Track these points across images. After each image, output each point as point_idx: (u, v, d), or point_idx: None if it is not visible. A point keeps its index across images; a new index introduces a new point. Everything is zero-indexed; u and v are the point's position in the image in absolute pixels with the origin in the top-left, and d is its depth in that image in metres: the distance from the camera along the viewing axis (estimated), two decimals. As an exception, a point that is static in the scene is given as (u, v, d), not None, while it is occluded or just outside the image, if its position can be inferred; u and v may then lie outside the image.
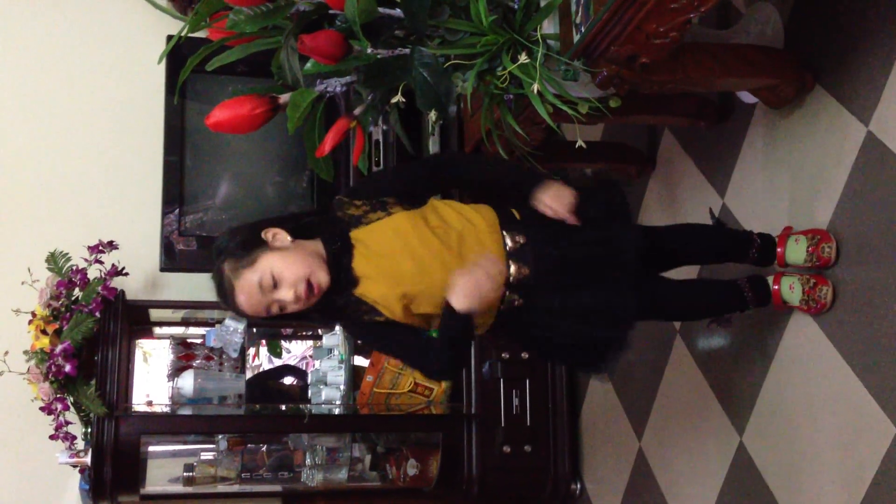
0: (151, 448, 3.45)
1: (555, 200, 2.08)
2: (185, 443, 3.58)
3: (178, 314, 3.76)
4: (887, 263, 2.17)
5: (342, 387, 3.60)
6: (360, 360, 3.73)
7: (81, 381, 3.18)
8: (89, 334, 3.22)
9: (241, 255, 1.97)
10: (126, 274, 3.44)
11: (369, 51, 2.08)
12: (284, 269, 1.96)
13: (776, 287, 2.38)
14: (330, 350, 3.69)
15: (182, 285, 3.73)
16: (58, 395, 3.18)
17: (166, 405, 3.58)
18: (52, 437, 3.20)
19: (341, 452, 3.59)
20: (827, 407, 2.36)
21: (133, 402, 3.49)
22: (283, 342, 3.94)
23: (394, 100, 2.18)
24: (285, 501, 3.72)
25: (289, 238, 2.00)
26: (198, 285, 3.72)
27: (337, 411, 3.60)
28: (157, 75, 3.48)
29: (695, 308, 2.47)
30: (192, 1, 3.57)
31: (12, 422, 3.50)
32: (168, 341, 3.76)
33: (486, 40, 2.07)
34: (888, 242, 2.17)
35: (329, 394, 3.60)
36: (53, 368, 3.13)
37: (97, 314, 3.25)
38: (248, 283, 1.96)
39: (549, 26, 2.11)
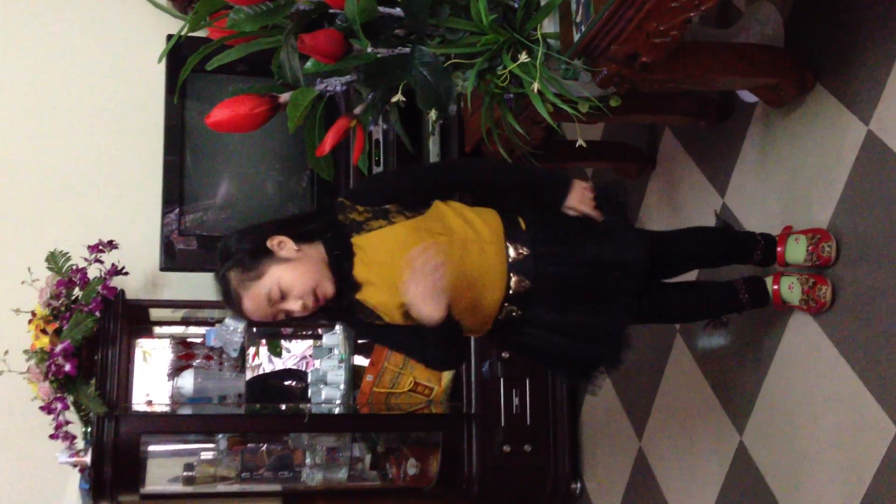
0: (151, 447, 3.45)
1: (580, 204, 2.09)
2: (185, 442, 3.58)
3: (178, 314, 3.76)
4: (887, 262, 2.17)
5: (342, 386, 3.60)
6: (360, 360, 3.73)
7: (81, 381, 3.18)
8: (89, 334, 3.22)
9: (248, 265, 1.98)
10: (126, 273, 3.44)
11: (369, 50, 2.08)
12: (292, 281, 1.97)
13: (776, 287, 2.38)
14: (330, 350, 3.69)
15: (182, 285, 3.73)
16: (58, 395, 3.18)
17: (166, 405, 3.58)
18: (52, 437, 3.20)
19: (341, 452, 3.59)
20: (827, 406, 2.36)
21: (133, 401, 3.48)
22: (282, 342, 3.94)
23: (394, 99, 2.18)
24: (285, 501, 3.72)
25: (294, 247, 2.00)
26: (198, 285, 3.72)
27: (337, 411, 3.60)
28: (157, 74, 3.48)
29: (692, 310, 2.49)
30: (192, 0, 3.57)
31: (12, 421, 3.50)
32: (168, 341, 3.76)
33: (486, 39, 2.07)
34: (888, 241, 2.17)
35: (329, 393, 3.60)
36: (53, 368, 3.12)
37: (97, 313, 3.25)
38: (257, 296, 1.98)
39: (549, 25, 2.11)
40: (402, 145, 3.27)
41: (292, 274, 1.98)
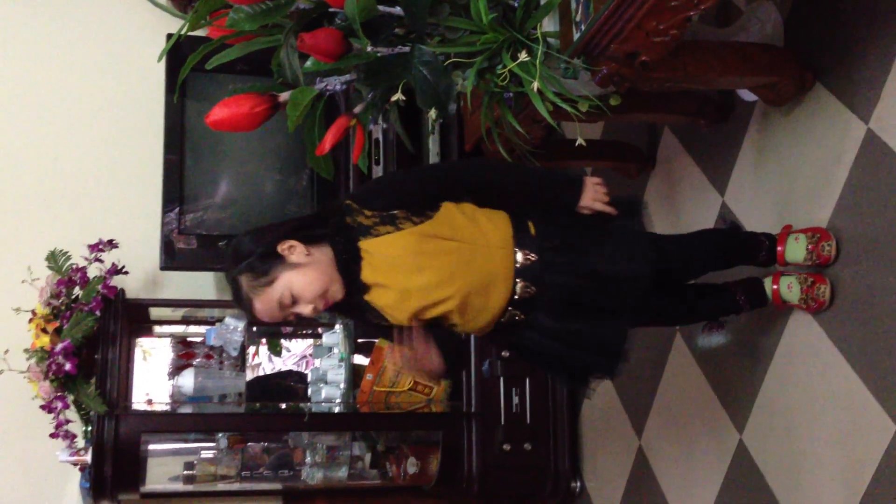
0: (152, 446, 3.45)
1: (594, 202, 2.09)
2: (185, 441, 3.58)
3: (179, 313, 3.76)
4: (887, 261, 2.17)
5: (342, 385, 3.60)
6: (360, 359, 3.73)
7: (81, 380, 3.18)
8: (89, 333, 3.22)
9: (259, 271, 1.99)
10: (126, 272, 3.44)
11: (369, 49, 2.08)
12: (303, 287, 1.99)
13: (775, 286, 2.38)
14: (330, 349, 3.69)
15: (182, 284, 3.73)
16: (58, 394, 3.18)
17: (166, 403, 3.58)
18: (52, 436, 3.20)
19: (341, 451, 3.59)
20: (826, 405, 2.36)
21: (133, 400, 3.48)
22: (283, 341, 3.93)
23: (394, 98, 2.18)
24: (285, 499, 3.72)
25: (305, 251, 2.00)
26: (198, 284, 3.73)
27: (337, 410, 3.60)
28: (157, 74, 3.48)
29: (691, 313, 2.53)
30: (192, -1, 3.57)
31: (12, 420, 3.50)
32: (168, 340, 3.76)
33: (486, 38, 2.06)
34: (888, 240, 2.17)
35: (329, 392, 3.60)
36: (54, 367, 3.13)
37: (97, 313, 3.25)
38: (268, 301, 2.00)
39: (549, 24, 2.11)
40: (401, 144, 3.27)
41: (303, 280, 1.99)
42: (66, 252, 3.37)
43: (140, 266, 3.62)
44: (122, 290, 3.40)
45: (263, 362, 3.89)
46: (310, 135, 2.26)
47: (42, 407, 3.19)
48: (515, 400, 3.50)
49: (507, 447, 3.48)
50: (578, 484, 3.56)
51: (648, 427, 3.19)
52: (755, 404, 2.62)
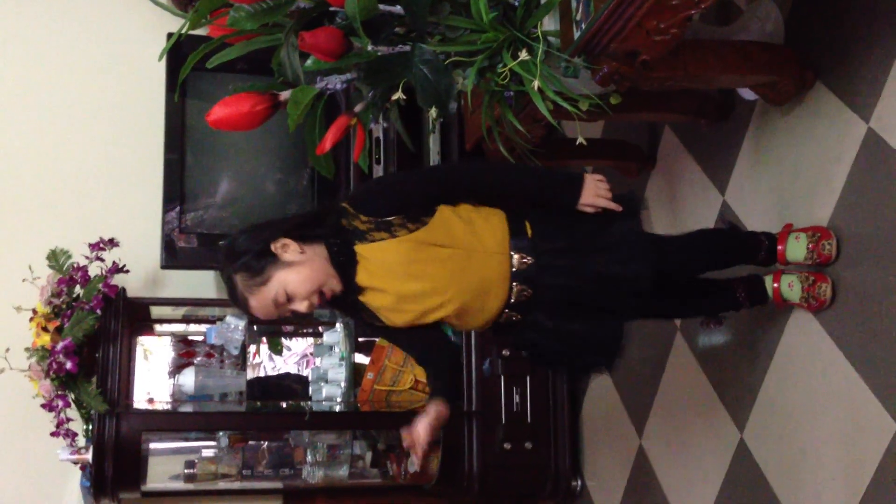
0: (152, 445, 3.46)
1: (596, 199, 2.07)
2: (186, 440, 3.59)
3: (179, 311, 3.76)
4: (888, 260, 2.17)
5: (343, 384, 3.60)
6: (360, 358, 3.74)
7: (82, 379, 3.19)
8: (90, 331, 3.22)
9: (254, 270, 1.99)
10: (127, 271, 3.45)
11: (370, 48, 2.08)
12: (297, 285, 1.99)
13: (776, 285, 2.38)
14: (330, 347, 3.69)
15: (183, 282, 3.73)
16: (59, 392, 3.18)
17: (167, 402, 3.59)
18: (53, 434, 3.20)
19: (342, 449, 3.59)
20: (827, 403, 2.36)
21: (134, 399, 3.49)
22: (283, 339, 3.94)
23: (394, 97, 2.17)
24: (286, 498, 3.72)
25: (299, 249, 2.00)
26: (199, 282, 3.73)
27: (338, 408, 3.60)
28: (158, 73, 3.48)
29: (690, 308, 2.54)
30: (193, -2, 3.57)
31: (13, 419, 3.51)
32: (169, 338, 3.77)
33: (486, 37, 2.06)
34: (889, 239, 2.17)
35: (330, 391, 3.61)
36: (54, 365, 3.13)
37: (98, 311, 3.25)
38: (263, 299, 2.00)
39: (549, 23, 2.11)
40: (402, 143, 3.28)
41: (297, 278, 1.99)
42: (67, 251, 3.37)
43: (141, 265, 3.62)
44: (123, 289, 3.40)
45: (264, 361, 3.90)
46: (310, 134, 2.26)
47: (43, 405, 3.19)
48: (516, 399, 3.51)
49: (507, 446, 3.48)
50: (579, 483, 3.56)
51: (649, 426, 3.19)
52: (756, 403, 2.62)
